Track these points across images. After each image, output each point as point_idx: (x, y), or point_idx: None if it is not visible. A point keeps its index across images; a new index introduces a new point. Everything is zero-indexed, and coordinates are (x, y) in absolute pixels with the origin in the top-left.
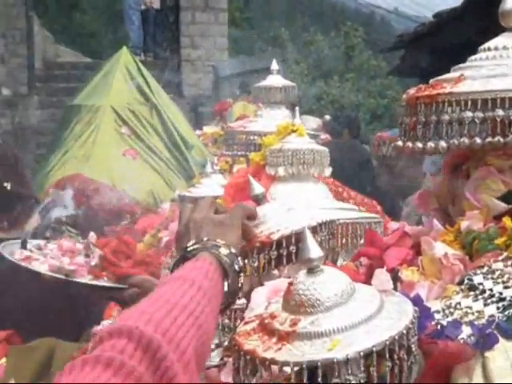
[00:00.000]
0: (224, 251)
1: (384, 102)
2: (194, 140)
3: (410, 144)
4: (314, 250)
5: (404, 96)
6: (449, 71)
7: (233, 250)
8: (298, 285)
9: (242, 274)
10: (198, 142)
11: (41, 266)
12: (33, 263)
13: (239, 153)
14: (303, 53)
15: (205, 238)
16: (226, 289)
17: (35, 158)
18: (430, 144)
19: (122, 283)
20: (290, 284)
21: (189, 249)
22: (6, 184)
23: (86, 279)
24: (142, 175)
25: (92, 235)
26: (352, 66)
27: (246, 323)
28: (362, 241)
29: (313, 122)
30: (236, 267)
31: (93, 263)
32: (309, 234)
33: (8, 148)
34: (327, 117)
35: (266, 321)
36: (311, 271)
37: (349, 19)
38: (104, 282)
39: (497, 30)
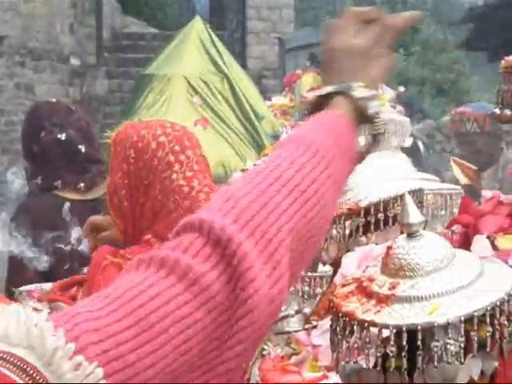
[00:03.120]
0: (360, 93)
1: (451, 76)
2: (265, 111)
3: (508, 112)
4: (415, 215)
5: (502, 63)
6: None
7: (369, 93)
8: (398, 249)
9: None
10: (268, 113)
11: None
12: None
13: None
14: None
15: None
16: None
17: (102, 127)
18: None
19: None
20: (389, 248)
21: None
22: (80, 146)
23: None
24: (213, 145)
25: None
26: (418, 39)
27: (344, 285)
28: (443, 211)
29: (388, 93)
30: (372, 112)
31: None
32: (409, 199)
33: (81, 113)
34: (401, 88)
35: (365, 283)
36: (411, 235)
37: None
38: None
39: None
